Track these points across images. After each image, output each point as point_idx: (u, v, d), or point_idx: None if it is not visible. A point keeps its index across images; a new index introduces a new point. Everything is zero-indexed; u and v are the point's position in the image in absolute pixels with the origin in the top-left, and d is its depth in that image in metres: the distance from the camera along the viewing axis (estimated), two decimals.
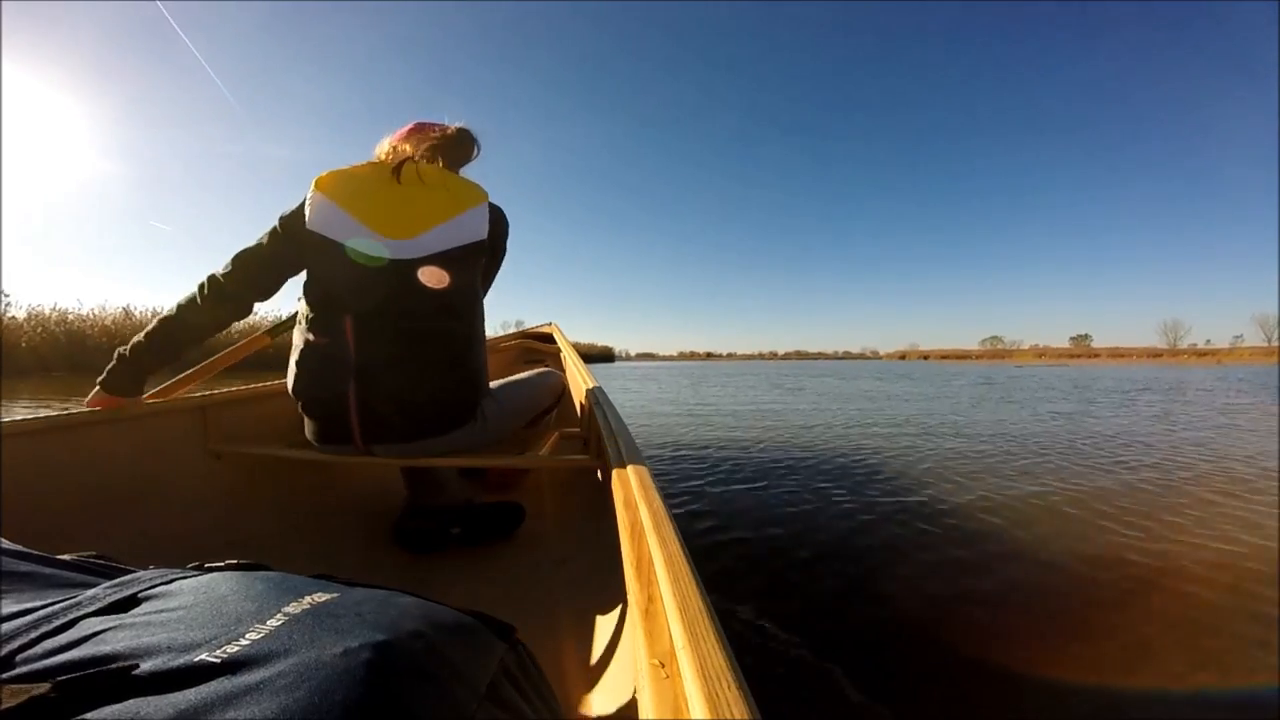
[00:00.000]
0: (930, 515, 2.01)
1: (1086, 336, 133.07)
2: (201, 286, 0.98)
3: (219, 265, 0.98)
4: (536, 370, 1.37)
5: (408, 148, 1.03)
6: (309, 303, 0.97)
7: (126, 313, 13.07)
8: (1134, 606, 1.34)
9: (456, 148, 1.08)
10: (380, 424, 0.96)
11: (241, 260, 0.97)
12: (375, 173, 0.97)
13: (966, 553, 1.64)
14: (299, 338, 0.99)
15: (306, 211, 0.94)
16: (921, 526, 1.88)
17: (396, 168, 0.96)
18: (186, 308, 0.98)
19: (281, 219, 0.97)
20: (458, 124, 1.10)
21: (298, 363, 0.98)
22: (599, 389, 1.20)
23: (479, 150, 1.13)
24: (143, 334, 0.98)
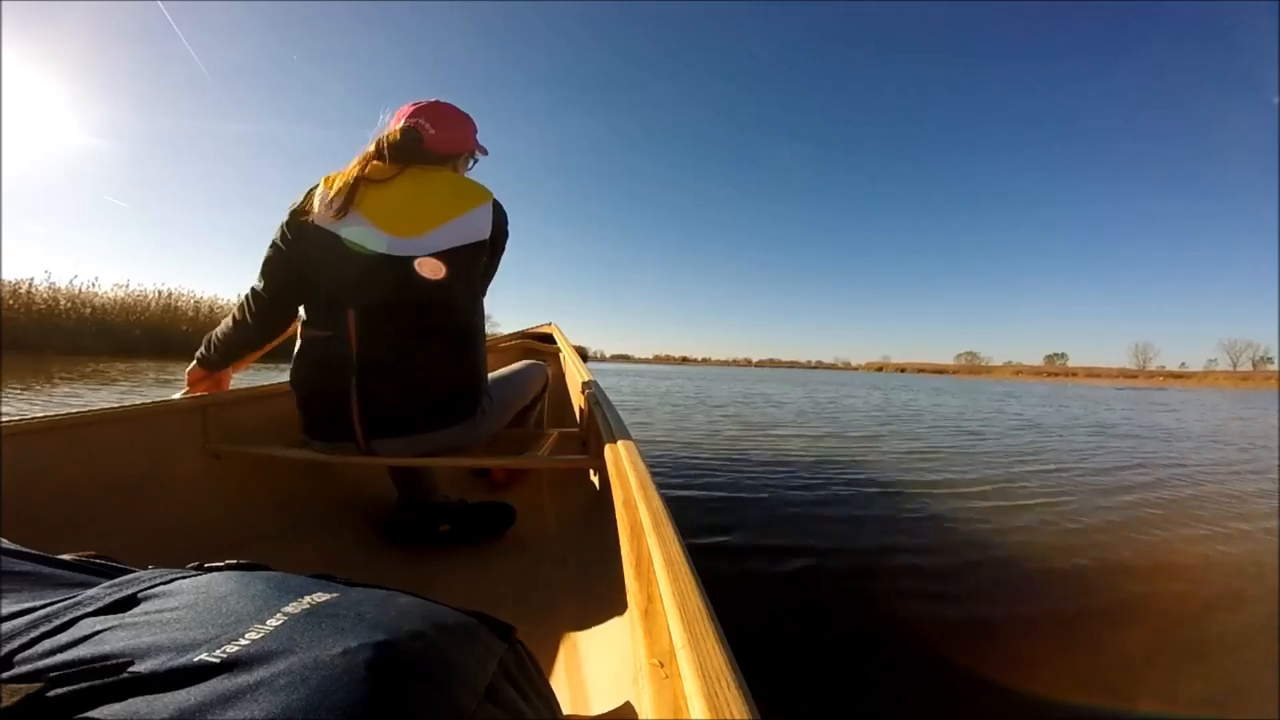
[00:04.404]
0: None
1: (1063, 355, 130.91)
2: (245, 303, 1.03)
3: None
4: (522, 363, 1.37)
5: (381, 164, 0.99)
6: (312, 294, 0.98)
7: None
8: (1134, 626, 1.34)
9: (417, 151, 1.01)
10: (381, 420, 0.97)
11: (268, 266, 0.99)
12: (380, 173, 0.97)
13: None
14: (301, 332, 1.00)
15: (315, 206, 0.94)
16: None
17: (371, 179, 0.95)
18: (240, 324, 1.05)
19: (292, 212, 0.97)
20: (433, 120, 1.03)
21: (298, 357, 1.00)
22: (598, 389, 1.19)
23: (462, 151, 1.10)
24: (214, 341, 1.11)
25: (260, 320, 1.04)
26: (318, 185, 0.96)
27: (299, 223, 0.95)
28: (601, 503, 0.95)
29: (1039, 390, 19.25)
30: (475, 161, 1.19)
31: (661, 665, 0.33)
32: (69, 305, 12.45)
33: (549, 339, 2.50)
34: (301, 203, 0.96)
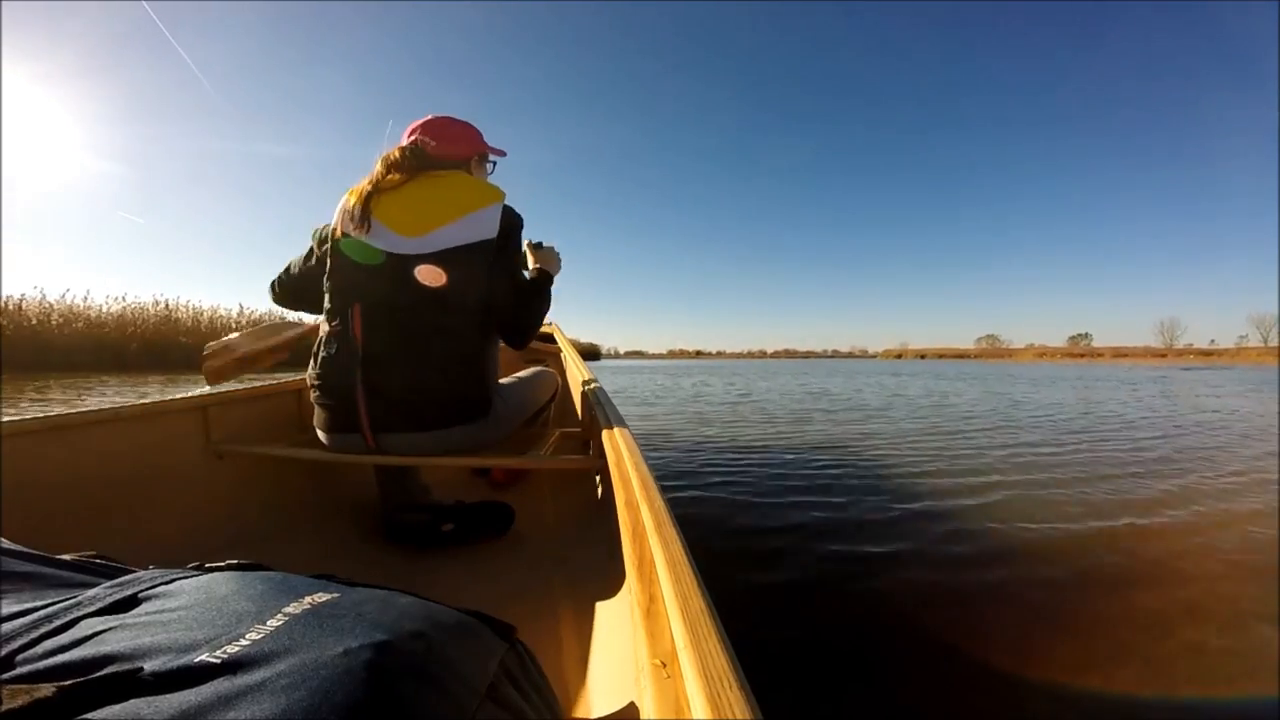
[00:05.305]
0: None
1: (1086, 335, 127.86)
2: (271, 290, 1.19)
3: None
4: (534, 369, 1.39)
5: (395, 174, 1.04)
6: (327, 291, 1.03)
7: None
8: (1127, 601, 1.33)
9: (424, 162, 1.05)
10: (387, 414, 0.98)
11: (293, 264, 1.14)
12: (392, 182, 1.04)
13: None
14: (322, 326, 1.05)
15: (337, 220, 1.02)
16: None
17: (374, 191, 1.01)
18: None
19: (316, 232, 1.09)
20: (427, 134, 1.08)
21: (315, 349, 1.04)
22: (600, 389, 1.19)
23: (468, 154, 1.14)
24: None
25: (291, 300, 1.19)
26: (341, 202, 1.03)
27: (324, 236, 1.05)
28: (603, 503, 0.95)
29: (1133, 375, 15.97)
30: (494, 165, 1.22)
31: (663, 665, 0.33)
32: (61, 320, 11.98)
33: (549, 339, 2.50)
34: (332, 223, 1.04)
